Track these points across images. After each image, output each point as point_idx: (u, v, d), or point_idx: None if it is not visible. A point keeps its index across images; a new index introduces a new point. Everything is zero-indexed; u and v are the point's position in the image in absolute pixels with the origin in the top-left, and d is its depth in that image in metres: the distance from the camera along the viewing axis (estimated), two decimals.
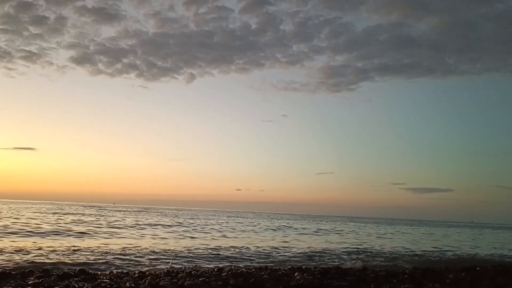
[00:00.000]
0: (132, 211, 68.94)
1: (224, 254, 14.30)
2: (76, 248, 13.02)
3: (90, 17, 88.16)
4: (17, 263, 9.80)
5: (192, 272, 8.78)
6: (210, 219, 46.45)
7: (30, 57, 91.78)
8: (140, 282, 7.22)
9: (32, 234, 17.07)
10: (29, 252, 11.73)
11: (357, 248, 19.34)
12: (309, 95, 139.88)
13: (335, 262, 13.74)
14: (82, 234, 18.66)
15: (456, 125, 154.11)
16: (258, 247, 17.20)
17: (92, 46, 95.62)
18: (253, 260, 13.33)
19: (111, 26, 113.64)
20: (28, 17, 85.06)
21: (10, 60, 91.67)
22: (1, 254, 10.99)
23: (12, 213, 35.13)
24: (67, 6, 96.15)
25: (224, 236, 22.82)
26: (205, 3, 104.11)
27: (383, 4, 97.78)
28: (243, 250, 15.67)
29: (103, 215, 40.63)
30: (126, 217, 40.04)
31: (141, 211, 72.34)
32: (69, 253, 12.09)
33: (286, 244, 19.61)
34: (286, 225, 42.89)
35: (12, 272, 7.75)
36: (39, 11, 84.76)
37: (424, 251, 19.99)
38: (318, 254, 15.79)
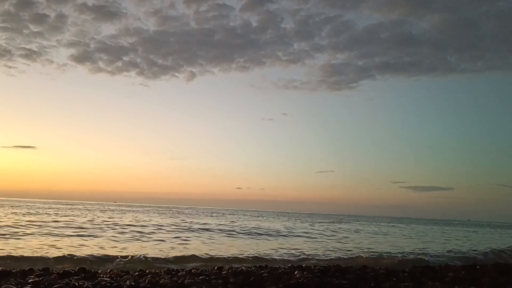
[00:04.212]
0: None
1: None
2: None
3: (91, 15, 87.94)
4: None
5: (192, 271, 8.79)
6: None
7: (30, 55, 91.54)
8: (140, 280, 7.22)
9: None
10: None
11: None
12: (310, 94, 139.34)
13: None
14: None
15: (457, 124, 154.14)
16: None
17: (93, 44, 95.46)
18: None
19: (111, 24, 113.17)
20: (28, 15, 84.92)
21: (10, 58, 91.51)
22: None
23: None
24: (68, 4, 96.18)
25: None
26: (206, 1, 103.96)
27: (384, 2, 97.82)
28: None
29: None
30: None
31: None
32: None
33: None
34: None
35: (13, 271, 7.75)
36: (39, 9, 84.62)
37: None
38: None
